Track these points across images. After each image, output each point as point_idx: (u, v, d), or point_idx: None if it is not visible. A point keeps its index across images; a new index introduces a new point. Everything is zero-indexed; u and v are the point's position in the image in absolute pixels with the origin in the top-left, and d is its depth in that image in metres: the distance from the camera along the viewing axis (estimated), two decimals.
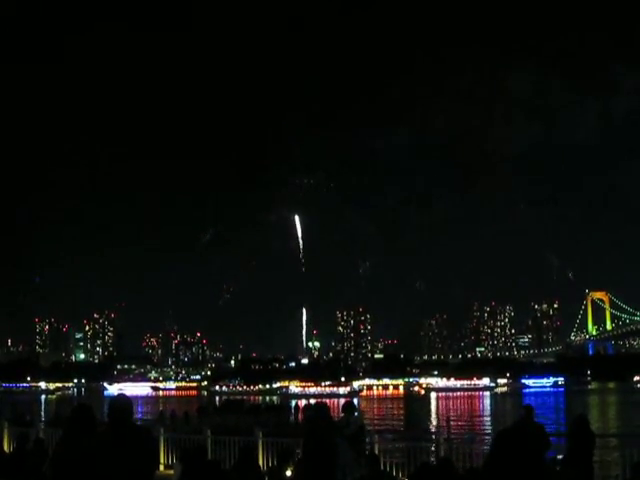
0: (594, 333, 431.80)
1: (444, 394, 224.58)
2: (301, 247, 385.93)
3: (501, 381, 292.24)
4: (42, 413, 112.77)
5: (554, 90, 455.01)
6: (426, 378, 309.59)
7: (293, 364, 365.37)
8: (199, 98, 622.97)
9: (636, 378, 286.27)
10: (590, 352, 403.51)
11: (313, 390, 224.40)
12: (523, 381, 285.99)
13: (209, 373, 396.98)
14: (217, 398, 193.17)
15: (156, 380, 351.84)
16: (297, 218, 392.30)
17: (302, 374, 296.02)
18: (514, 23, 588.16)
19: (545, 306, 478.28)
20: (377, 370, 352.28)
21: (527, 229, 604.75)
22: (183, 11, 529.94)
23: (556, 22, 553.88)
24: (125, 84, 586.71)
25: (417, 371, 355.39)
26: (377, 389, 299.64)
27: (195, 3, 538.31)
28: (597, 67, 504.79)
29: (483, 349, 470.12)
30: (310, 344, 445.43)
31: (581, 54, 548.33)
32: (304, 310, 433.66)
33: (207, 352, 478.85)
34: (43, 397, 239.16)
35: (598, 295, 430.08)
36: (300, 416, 67.98)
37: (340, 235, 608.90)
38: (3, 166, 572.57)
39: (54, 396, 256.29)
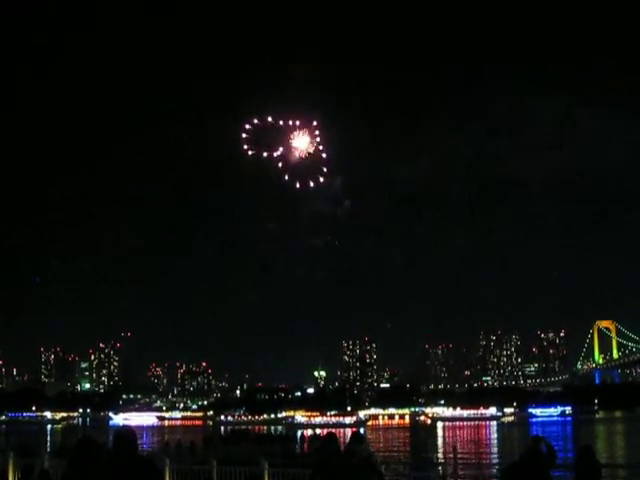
0: (601, 362, 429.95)
1: (450, 423, 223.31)
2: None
3: (508, 410, 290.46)
4: (48, 443, 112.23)
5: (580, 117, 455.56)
6: (432, 407, 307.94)
7: (299, 394, 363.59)
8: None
9: None
10: (597, 381, 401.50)
11: (319, 420, 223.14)
12: (530, 410, 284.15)
13: (205, 403, 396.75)
14: (222, 428, 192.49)
15: (158, 410, 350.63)
16: None
17: (308, 404, 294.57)
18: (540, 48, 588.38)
19: (551, 335, 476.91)
20: (383, 399, 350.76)
21: (534, 258, 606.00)
22: None
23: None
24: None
25: (423, 400, 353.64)
26: (383, 419, 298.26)
27: None
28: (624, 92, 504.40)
29: (489, 378, 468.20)
30: (316, 373, 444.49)
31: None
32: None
33: (212, 382, 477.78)
34: (49, 427, 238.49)
35: (604, 324, 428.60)
36: (306, 446, 67.80)
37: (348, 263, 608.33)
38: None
39: (60, 426, 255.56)
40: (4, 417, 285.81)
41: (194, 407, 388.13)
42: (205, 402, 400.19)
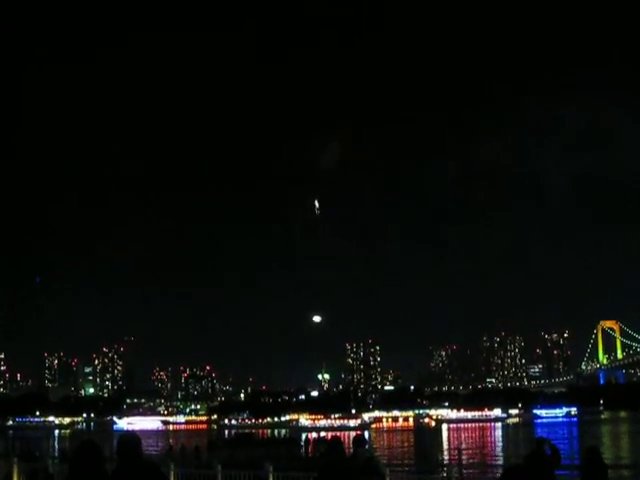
0: (605, 362, 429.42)
1: (455, 425, 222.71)
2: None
3: (513, 412, 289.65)
4: (56, 448, 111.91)
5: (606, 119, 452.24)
6: (436, 410, 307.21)
7: (303, 397, 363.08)
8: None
9: None
10: (601, 381, 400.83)
11: (323, 423, 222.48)
12: (535, 411, 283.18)
13: (198, 407, 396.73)
14: (226, 432, 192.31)
15: (159, 414, 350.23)
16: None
17: (312, 407, 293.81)
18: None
19: (555, 335, 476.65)
20: (387, 402, 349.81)
21: (537, 259, 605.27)
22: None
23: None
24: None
25: (427, 403, 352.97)
26: (387, 421, 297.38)
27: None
28: None
29: (493, 380, 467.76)
30: (320, 376, 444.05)
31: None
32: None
33: (217, 385, 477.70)
34: (57, 432, 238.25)
35: (609, 324, 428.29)
36: (310, 449, 67.64)
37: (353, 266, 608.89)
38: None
39: (68, 431, 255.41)
40: (11, 422, 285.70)
41: (187, 410, 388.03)
42: (198, 406, 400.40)
